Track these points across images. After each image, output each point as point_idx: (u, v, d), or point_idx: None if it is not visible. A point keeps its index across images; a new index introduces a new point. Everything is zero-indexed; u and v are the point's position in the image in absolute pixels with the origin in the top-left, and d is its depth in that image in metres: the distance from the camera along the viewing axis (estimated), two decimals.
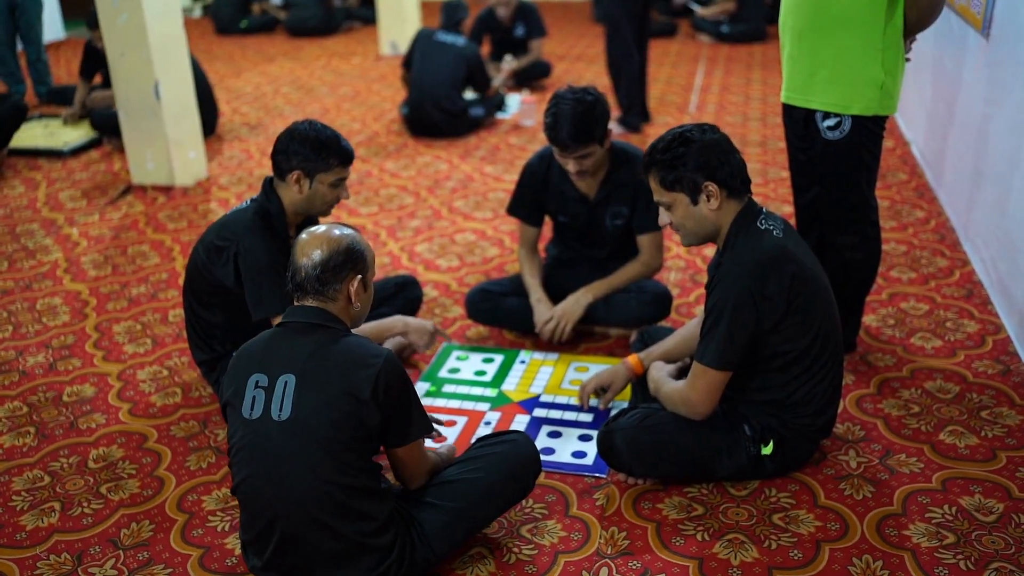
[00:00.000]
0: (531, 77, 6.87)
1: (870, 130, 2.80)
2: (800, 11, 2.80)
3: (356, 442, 1.99)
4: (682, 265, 3.86)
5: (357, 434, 1.98)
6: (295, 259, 2.06)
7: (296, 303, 2.08)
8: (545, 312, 3.17)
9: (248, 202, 2.77)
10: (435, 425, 2.44)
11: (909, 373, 2.98)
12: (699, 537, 2.30)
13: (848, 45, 2.72)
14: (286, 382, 1.98)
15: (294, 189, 2.69)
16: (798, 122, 2.93)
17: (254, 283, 2.64)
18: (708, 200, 2.33)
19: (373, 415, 1.98)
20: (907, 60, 2.87)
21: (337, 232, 2.08)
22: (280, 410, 1.97)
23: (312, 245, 2.05)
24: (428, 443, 2.41)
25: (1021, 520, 2.30)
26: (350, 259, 2.06)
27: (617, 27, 5.55)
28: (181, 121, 4.97)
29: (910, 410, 2.78)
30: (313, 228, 2.11)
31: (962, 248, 3.83)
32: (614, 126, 5.68)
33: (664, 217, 2.43)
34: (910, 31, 2.76)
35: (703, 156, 2.30)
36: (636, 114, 5.72)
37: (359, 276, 2.08)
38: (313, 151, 2.65)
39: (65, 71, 8.12)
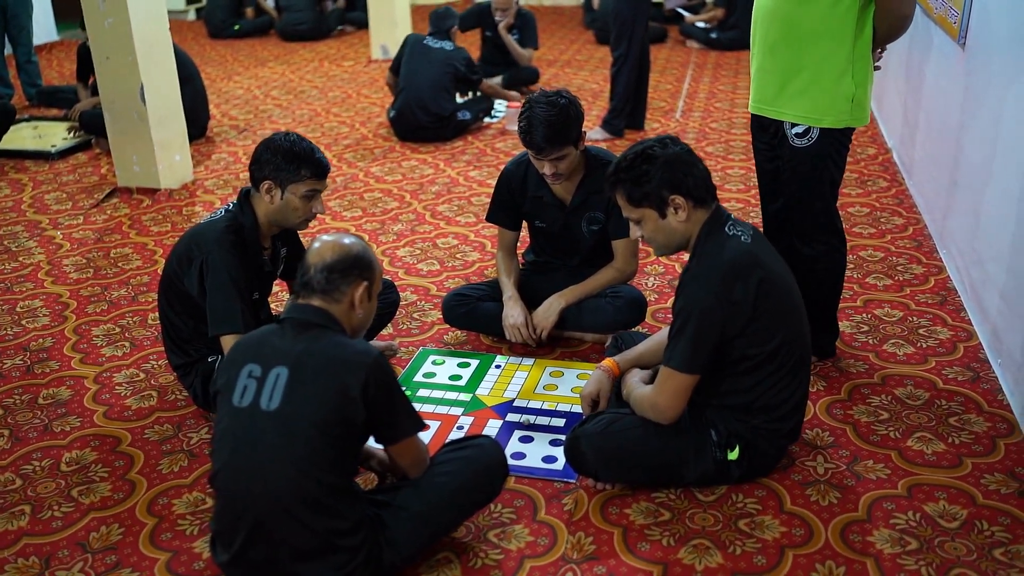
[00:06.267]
0: (519, 82, 6.89)
1: (838, 140, 2.82)
2: (771, 24, 2.82)
3: (340, 439, 2.03)
4: (660, 271, 3.88)
5: (342, 431, 2.03)
6: (306, 261, 2.14)
7: (301, 301, 2.14)
8: (514, 310, 3.19)
9: (222, 211, 2.79)
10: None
11: (880, 379, 3.00)
12: (665, 542, 2.32)
13: (819, 58, 2.73)
14: (278, 374, 2.03)
15: (266, 199, 2.72)
16: (767, 130, 2.95)
17: (215, 299, 2.67)
18: (676, 212, 2.35)
19: (360, 413, 2.03)
20: (877, 68, 2.89)
21: (348, 240, 2.18)
22: (270, 400, 2.02)
23: (325, 247, 2.14)
24: None
25: (984, 527, 2.32)
26: (358, 265, 2.14)
27: (628, 30, 5.51)
28: (167, 124, 4.98)
29: (879, 416, 2.80)
30: (327, 235, 2.19)
31: (938, 255, 3.86)
32: (597, 131, 5.71)
33: (635, 231, 2.45)
34: (880, 43, 2.78)
35: (667, 171, 2.32)
36: (622, 118, 5.73)
37: (365, 283, 2.15)
38: (285, 161, 2.67)
39: (57, 73, 8.14)
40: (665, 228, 2.39)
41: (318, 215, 2.80)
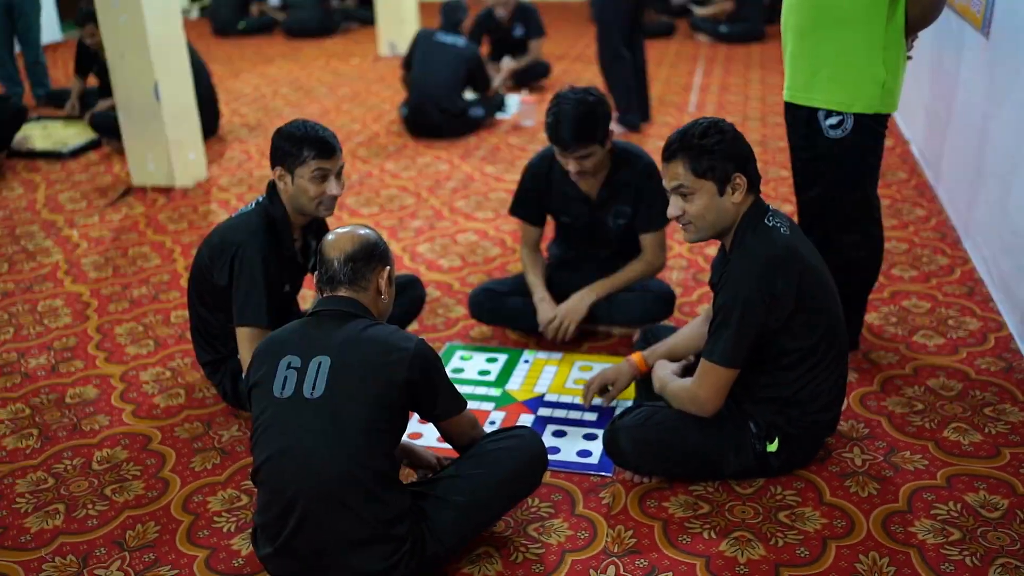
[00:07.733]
0: (530, 77, 6.87)
1: (872, 128, 2.80)
2: (801, 9, 2.80)
3: (386, 425, 2.04)
4: (684, 264, 3.86)
5: (388, 417, 2.03)
6: (325, 256, 2.15)
7: (329, 294, 2.15)
8: (548, 311, 3.17)
9: (253, 204, 2.77)
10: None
11: (912, 371, 2.98)
12: (706, 535, 2.30)
13: (850, 43, 2.72)
14: (320, 363, 2.03)
15: (281, 186, 2.70)
16: (800, 120, 2.93)
17: (243, 290, 2.65)
18: (733, 193, 2.33)
19: (404, 398, 2.04)
20: (909, 58, 2.88)
21: (362, 230, 2.20)
22: (313, 389, 2.02)
23: (341, 240, 2.16)
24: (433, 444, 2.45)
25: None
26: (377, 252, 2.17)
27: (606, 28, 5.56)
28: (181, 122, 4.96)
29: (914, 407, 2.78)
30: (338, 229, 2.20)
31: (963, 246, 3.84)
32: (613, 125, 5.68)
33: (675, 209, 2.37)
34: (912, 29, 2.76)
35: (736, 147, 2.31)
36: (635, 112, 5.72)
37: (387, 268, 2.18)
38: (289, 145, 2.65)
39: (63, 73, 8.11)
40: (718, 207, 2.34)
41: (334, 195, 2.69)
